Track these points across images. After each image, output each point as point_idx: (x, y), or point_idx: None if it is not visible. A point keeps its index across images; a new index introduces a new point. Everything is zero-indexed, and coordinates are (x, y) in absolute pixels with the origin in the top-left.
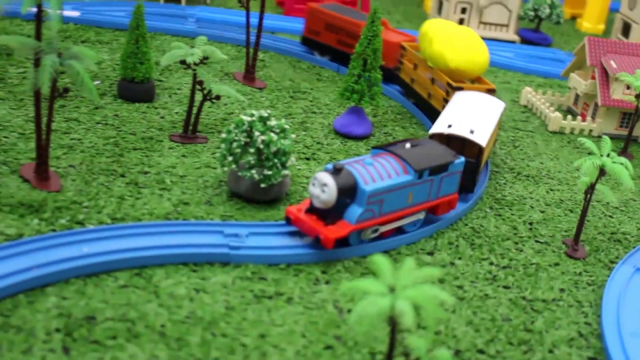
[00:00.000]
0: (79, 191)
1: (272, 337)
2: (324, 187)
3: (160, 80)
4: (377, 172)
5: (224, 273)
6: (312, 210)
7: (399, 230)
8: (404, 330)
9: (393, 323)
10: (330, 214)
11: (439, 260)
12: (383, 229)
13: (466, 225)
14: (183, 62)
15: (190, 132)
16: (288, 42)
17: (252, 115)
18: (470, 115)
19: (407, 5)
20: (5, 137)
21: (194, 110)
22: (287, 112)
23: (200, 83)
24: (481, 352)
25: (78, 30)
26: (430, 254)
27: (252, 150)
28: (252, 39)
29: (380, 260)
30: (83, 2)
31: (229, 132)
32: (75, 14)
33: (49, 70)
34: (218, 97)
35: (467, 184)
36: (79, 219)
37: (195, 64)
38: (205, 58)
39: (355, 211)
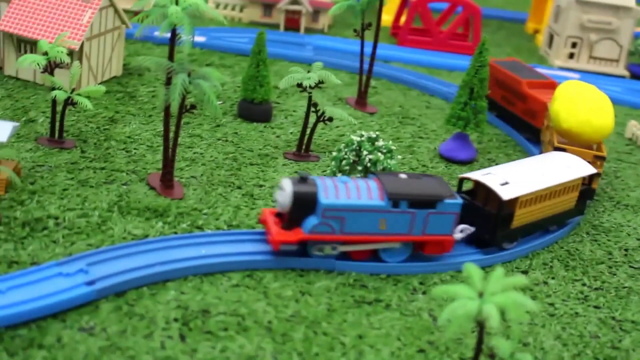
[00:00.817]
0: (199, 199)
1: (369, 338)
2: (282, 192)
3: (278, 103)
4: (345, 190)
5: (328, 279)
6: (280, 214)
7: (376, 257)
8: (491, 334)
9: (480, 326)
10: (289, 220)
11: (532, 278)
12: (344, 248)
13: (562, 248)
14: (300, 85)
15: (303, 150)
16: (400, 71)
17: (361, 135)
18: (526, 171)
19: (518, 38)
20: (135, 149)
21: (308, 130)
22: (396, 136)
23: (315, 105)
24: None
25: (204, 54)
26: (525, 272)
27: (360, 168)
28: (366, 66)
29: (471, 268)
30: (208, 28)
31: (339, 150)
32: (201, 39)
33: (180, 88)
34: (331, 119)
35: (487, 235)
36: (198, 224)
37: (311, 87)
38: (321, 82)
39: (310, 222)
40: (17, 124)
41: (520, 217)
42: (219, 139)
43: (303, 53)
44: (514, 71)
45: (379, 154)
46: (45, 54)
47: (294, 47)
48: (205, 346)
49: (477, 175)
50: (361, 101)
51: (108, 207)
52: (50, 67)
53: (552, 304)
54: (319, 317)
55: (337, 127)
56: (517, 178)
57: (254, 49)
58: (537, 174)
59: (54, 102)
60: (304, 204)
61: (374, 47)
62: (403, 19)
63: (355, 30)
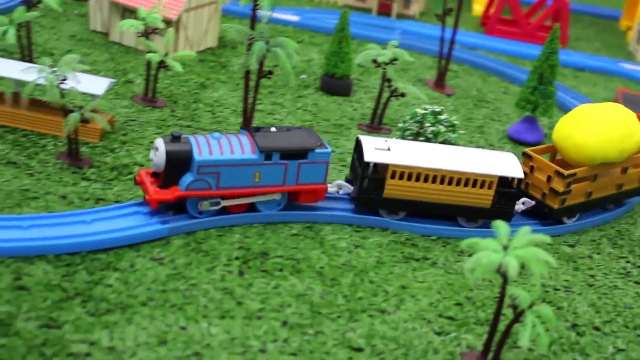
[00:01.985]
0: None
1: (411, 289)
2: (156, 151)
3: (359, 79)
4: (218, 146)
5: (382, 236)
6: (155, 174)
7: (253, 209)
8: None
9: (503, 277)
10: (165, 178)
11: (578, 252)
12: (225, 203)
13: (613, 227)
14: (374, 60)
15: (376, 123)
16: (482, 58)
17: (425, 109)
18: (430, 150)
19: (609, 35)
20: (220, 112)
21: (382, 105)
22: (468, 117)
23: (389, 80)
24: (596, 329)
25: (296, 32)
26: (572, 246)
27: (421, 139)
28: (447, 51)
29: (500, 224)
30: (304, 8)
31: (404, 122)
32: (295, 18)
33: (257, 54)
34: (403, 95)
35: (353, 195)
36: None
37: (385, 64)
38: (395, 59)
39: (186, 179)
40: (113, 80)
41: (394, 189)
42: (298, 108)
43: (391, 36)
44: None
45: (441, 126)
46: (143, 20)
47: (383, 31)
48: (261, 282)
49: (368, 138)
50: (440, 83)
51: None
52: (146, 32)
53: (592, 276)
54: (367, 267)
55: (413, 104)
56: (408, 152)
57: (338, 27)
58: (436, 155)
59: (149, 64)
60: (179, 162)
61: (454, 32)
62: (493, 9)
63: (437, 15)
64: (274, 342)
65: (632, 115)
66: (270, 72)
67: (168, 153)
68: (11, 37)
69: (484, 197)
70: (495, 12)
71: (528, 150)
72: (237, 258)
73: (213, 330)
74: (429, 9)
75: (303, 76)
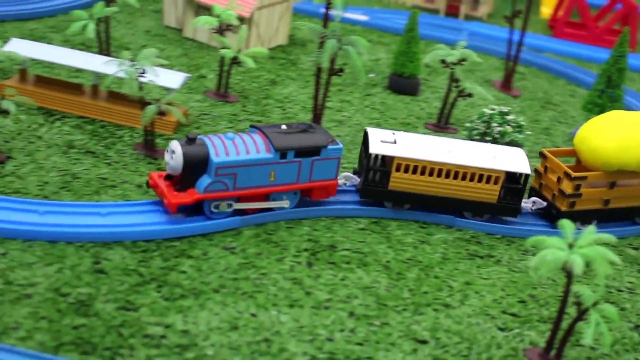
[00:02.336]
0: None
1: (475, 286)
2: (172, 154)
3: (426, 79)
4: (234, 147)
5: (447, 233)
6: (169, 177)
7: (269, 209)
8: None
9: (568, 275)
10: (182, 181)
11: None
12: (239, 206)
13: None
14: (443, 61)
15: (443, 122)
16: (549, 60)
17: (493, 109)
18: (437, 145)
19: None
20: (290, 108)
21: (449, 104)
22: (535, 118)
23: (456, 81)
24: None
25: (365, 32)
26: (636, 249)
27: (488, 139)
28: (515, 53)
29: (566, 223)
30: (373, 9)
31: (471, 121)
32: (364, 17)
33: (329, 52)
34: (470, 95)
35: (358, 186)
36: None
37: (454, 64)
38: (463, 60)
39: (204, 181)
40: (188, 75)
41: (399, 181)
42: (366, 106)
43: (458, 38)
44: None
45: (508, 127)
46: (218, 16)
47: (451, 32)
48: (328, 274)
49: (375, 130)
50: (506, 84)
51: None
52: (221, 29)
53: None
54: (432, 263)
55: (480, 105)
56: (414, 145)
57: (407, 27)
58: (442, 149)
59: (222, 59)
60: (196, 164)
61: (522, 35)
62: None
63: (505, 17)
64: (341, 332)
65: None
66: (341, 70)
67: (185, 155)
68: (90, 31)
69: (490, 192)
70: (563, 15)
71: (545, 150)
72: (305, 250)
73: (282, 318)
74: (496, 11)
75: (371, 75)
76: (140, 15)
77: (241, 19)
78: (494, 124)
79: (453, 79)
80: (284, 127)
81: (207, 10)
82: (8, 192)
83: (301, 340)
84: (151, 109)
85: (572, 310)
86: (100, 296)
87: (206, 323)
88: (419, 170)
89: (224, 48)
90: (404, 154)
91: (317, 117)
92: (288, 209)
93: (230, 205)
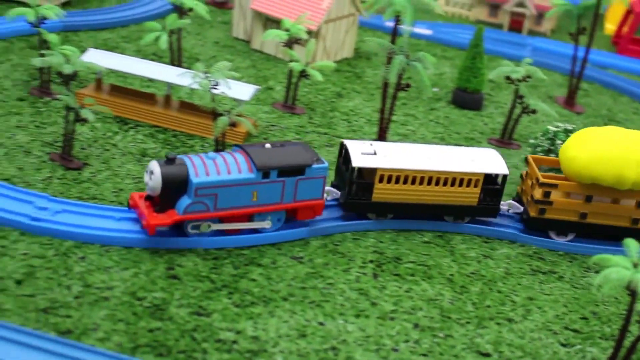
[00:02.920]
0: None
1: (538, 301)
2: (151, 175)
3: (490, 94)
4: (214, 166)
5: (510, 248)
6: (149, 197)
7: (255, 230)
8: None
9: (632, 293)
10: (162, 202)
11: None
12: (219, 226)
13: None
14: (508, 77)
15: (506, 138)
16: (613, 77)
17: (557, 126)
18: (415, 152)
19: None
20: (356, 120)
21: (513, 120)
22: None
23: (521, 97)
24: None
25: (428, 46)
26: None
27: (552, 156)
28: (579, 69)
29: (630, 242)
30: (436, 22)
31: (535, 138)
32: (428, 32)
33: (397, 67)
34: (534, 111)
35: (341, 200)
36: None
37: (519, 80)
38: (528, 77)
39: (183, 202)
40: (258, 87)
41: (382, 192)
42: (431, 120)
43: (521, 53)
44: None
45: None
46: (287, 30)
47: (514, 47)
48: (393, 285)
49: (352, 142)
50: (570, 101)
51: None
52: (290, 42)
53: None
54: (496, 277)
55: (543, 121)
56: (394, 155)
57: (472, 42)
58: (421, 156)
59: (290, 72)
60: (175, 185)
61: (586, 52)
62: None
63: (570, 34)
64: (405, 342)
65: None
66: (408, 85)
67: (164, 176)
68: (163, 42)
69: (471, 195)
70: (628, 32)
71: (529, 155)
72: (371, 261)
73: (349, 328)
74: (560, 26)
75: (435, 89)
76: (209, 26)
77: (309, 33)
78: (559, 142)
79: (518, 95)
80: (267, 146)
81: (275, 22)
82: (85, 198)
83: (367, 350)
84: (223, 120)
85: (634, 329)
86: (174, 301)
87: (275, 330)
88: (401, 179)
89: (292, 61)
90: (387, 164)
91: (382, 131)
92: (271, 230)
93: (210, 226)
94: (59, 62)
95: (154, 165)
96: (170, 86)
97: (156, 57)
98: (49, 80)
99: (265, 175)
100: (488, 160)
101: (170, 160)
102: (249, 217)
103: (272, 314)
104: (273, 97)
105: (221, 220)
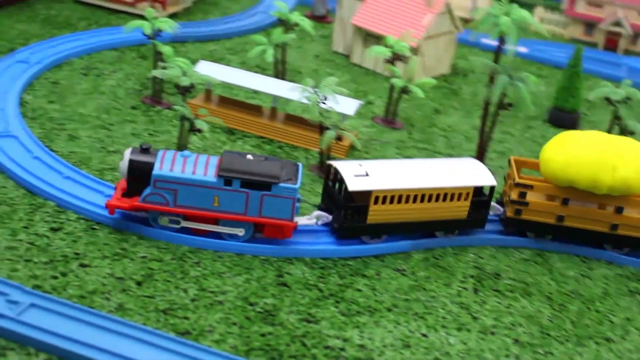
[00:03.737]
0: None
1: (636, 322)
2: (122, 160)
3: (586, 114)
4: (182, 164)
5: (608, 269)
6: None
7: (220, 236)
8: None
9: None
10: (129, 188)
11: None
12: (186, 224)
13: None
14: (607, 98)
15: None
16: None
17: None
18: (401, 169)
19: None
20: (454, 137)
21: None
22: None
23: (618, 118)
24: None
25: (524, 64)
26: None
27: None
28: None
29: None
30: (532, 40)
31: None
32: (524, 49)
33: (500, 88)
34: (633, 133)
35: (336, 224)
36: None
37: (618, 102)
38: (628, 98)
39: (145, 191)
40: (361, 101)
41: (377, 214)
42: (527, 139)
43: (617, 72)
44: None
45: None
46: (390, 47)
47: (609, 66)
48: (494, 300)
49: (341, 163)
50: None
51: None
52: (393, 59)
53: None
54: (594, 297)
55: None
56: (385, 174)
57: (570, 62)
58: (411, 173)
59: (392, 88)
60: (141, 173)
61: None
62: None
63: None
64: (506, 357)
65: (632, 152)
66: (510, 105)
67: (131, 162)
68: (269, 56)
69: (461, 209)
70: None
71: (512, 157)
72: (471, 276)
73: (451, 340)
74: None
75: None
76: (310, 40)
77: (409, 49)
78: None
79: (616, 116)
80: (249, 156)
81: (375, 38)
82: None
83: None
84: (330, 135)
85: None
86: (284, 307)
87: (380, 339)
88: (395, 199)
89: (394, 77)
90: (381, 186)
91: (482, 149)
92: (242, 240)
93: (173, 222)
94: (176, 75)
95: (127, 152)
96: (277, 99)
97: (260, 69)
98: (160, 89)
99: (227, 182)
100: (475, 172)
101: (144, 150)
102: (214, 222)
103: (377, 324)
104: (373, 112)
105: (187, 218)
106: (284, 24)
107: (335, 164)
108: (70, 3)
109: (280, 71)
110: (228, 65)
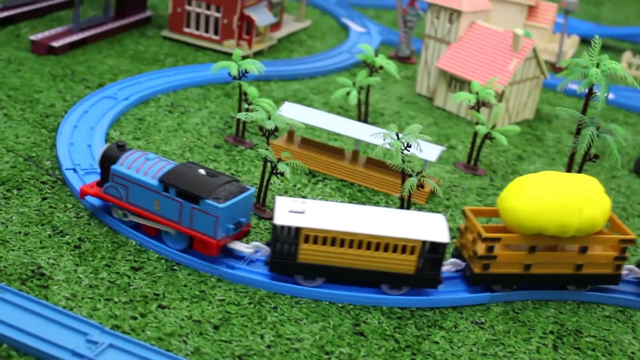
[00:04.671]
0: None
1: None
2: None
3: None
4: (139, 164)
5: None
6: None
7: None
8: None
9: None
10: (101, 177)
11: None
12: (133, 218)
13: None
14: None
15: None
16: None
17: None
18: (348, 213)
19: None
20: None
21: None
22: None
23: None
24: None
25: (610, 110)
26: None
27: None
28: None
29: None
30: (618, 87)
31: None
32: (610, 96)
33: (587, 139)
34: None
35: (267, 259)
36: None
37: None
38: None
39: (106, 183)
40: (443, 147)
41: (309, 253)
42: (612, 189)
43: None
44: None
45: None
46: (476, 93)
47: None
48: (574, 358)
49: (286, 199)
50: None
51: None
52: (478, 105)
53: None
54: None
55: None
56: (324, 215)
57: None
58: (356, 218)
59: (475, 134)
60: (108, 165)
61: None
62: None
63: None
64: None
65: (591, 190)
66: (596, 156)
67: (102, 154)
68: (353, 98)
69: (407, 263)
70: None
71: (466, 208)
72: (551, 332)
73: None
74: None
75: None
76: (393, 81)
77: (495, 95)
78: None
79: None
80: (201, 171)
81: (459, 82)
82: None
83: None
84: (412, 182)
85: None
86: (359, 357)
87: None
88: (328, 241)
89: (478, 123)
90: (312, 224)
91: None
92: (177, 250)
93: (125, 215)
94: (262, 118)
95: (105, 145)
96: (359, 142)
97: (342, 110)
98: (244, 129)
99: (165, 188)
100: (430, 227)
101: (119, 147)
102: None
103: None
104: (455, 157)
105: (138, 215)
106: (369, 66)
107: (278, 198)
108: (157, 39)
109: (363, 113)
110: (311, 105)
